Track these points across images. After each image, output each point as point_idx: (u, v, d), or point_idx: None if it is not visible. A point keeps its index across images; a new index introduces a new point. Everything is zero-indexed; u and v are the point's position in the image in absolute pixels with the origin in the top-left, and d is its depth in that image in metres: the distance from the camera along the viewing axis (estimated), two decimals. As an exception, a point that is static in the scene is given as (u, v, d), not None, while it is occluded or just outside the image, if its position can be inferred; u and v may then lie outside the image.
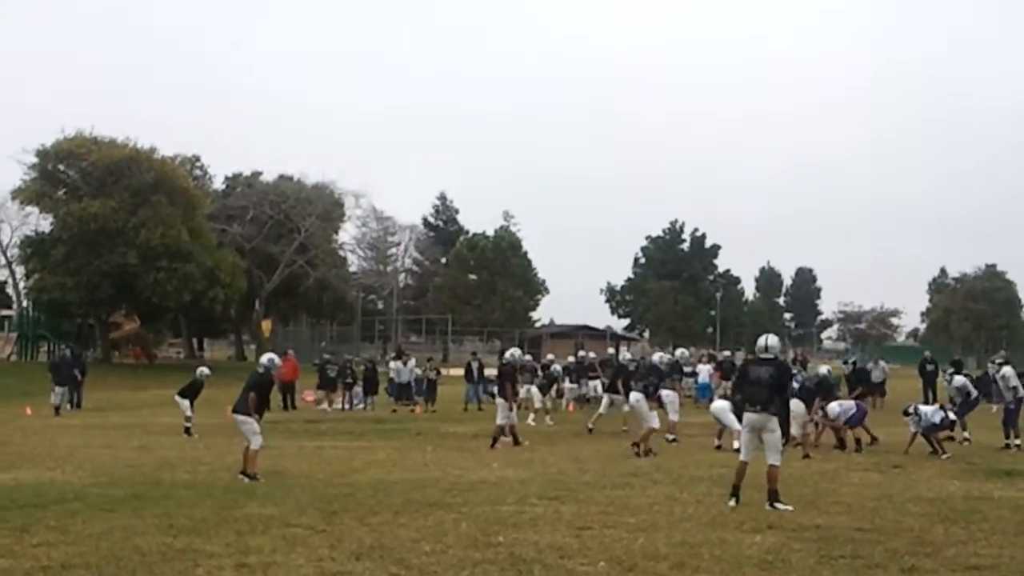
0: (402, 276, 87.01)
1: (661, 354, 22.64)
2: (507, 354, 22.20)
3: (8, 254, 68.13)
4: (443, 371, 38.24)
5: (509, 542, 9.27)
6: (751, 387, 11.79)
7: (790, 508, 11.17)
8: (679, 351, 28.58)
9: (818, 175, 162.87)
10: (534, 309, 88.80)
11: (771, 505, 11.24)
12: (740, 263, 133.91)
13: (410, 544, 9.21)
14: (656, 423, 18.31)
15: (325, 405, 30.82)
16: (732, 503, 11.50)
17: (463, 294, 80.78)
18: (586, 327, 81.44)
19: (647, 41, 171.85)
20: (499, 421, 19.67)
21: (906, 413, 18.50)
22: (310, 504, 11.43)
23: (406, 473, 14.97)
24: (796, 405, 17.65)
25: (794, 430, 17.33)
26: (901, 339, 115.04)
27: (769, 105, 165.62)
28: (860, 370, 31.50)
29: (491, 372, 35.43)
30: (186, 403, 22.43)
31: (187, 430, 21.87)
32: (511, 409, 19.92)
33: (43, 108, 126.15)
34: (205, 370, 23.76)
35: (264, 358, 15.47)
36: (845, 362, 38.04)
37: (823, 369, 19.31)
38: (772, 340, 12.10)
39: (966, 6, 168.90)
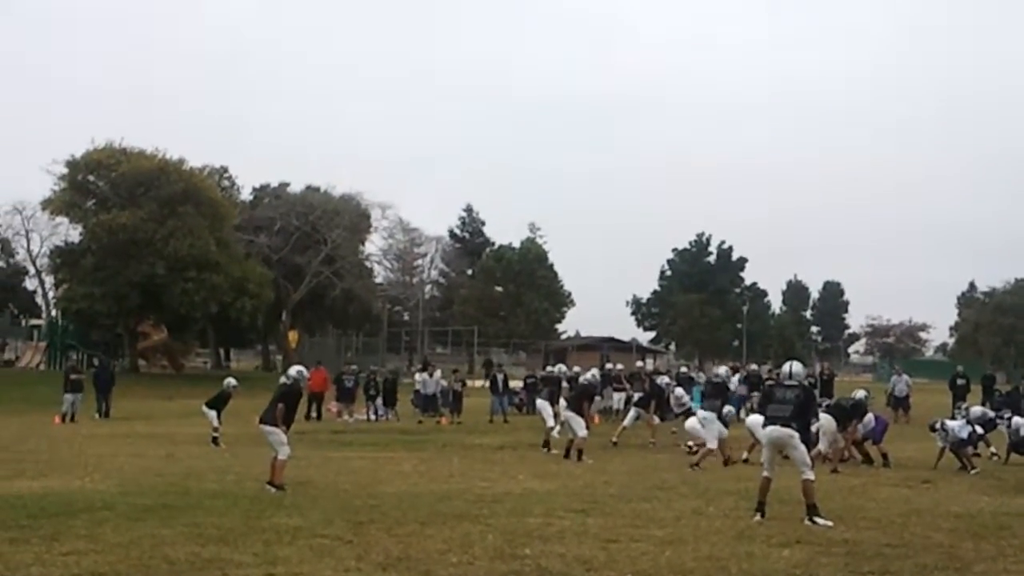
0: (428, 288, 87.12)
1: (726, 369, 22.57)
2: (589, 375, 22.04)
3: (38, 264, 68.86)
4: (468, 382, 38.25)
5: (535, 554, 9.27)
6: (775, 405, 11.95)
7: (830, 524, 11.08)
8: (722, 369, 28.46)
9: (846, 188, 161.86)
10: (560, 321, 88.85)
11: (811, 520, 11.18)
12: (767, 276, 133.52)
13: (437, 555, 9.22)
14: (714, 443, 18.23)
15: (346, 416, 30.86)
16: (757, 518, 11.47)
17: (489, 306, 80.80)
18: (612, 339, 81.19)
19: (672, 56, 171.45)
20: (581, 434, 19.16)
21: (932, 429, 18.41)
22: (337, 515, 11.46)
23: (432, 484, 14.99)
24: (828, 421, 17.64)
25: (823, 446, 17.30)
26: (929, 353, 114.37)
27: (796, 121, 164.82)
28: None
29: (516, 384, 35.56)
30: (213, 414, 22.51)
31: (214, 440, 21.96)
32: (587, 427, 19.65)
33: (73, 119, 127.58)
34: (232, 381, 23.83)
35: (292, 370, 15.53)
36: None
37: (860, 393, 19.13)
38: (796, 367, 12.37)
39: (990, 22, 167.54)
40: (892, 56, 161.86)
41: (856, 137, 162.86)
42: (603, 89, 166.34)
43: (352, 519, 11.13)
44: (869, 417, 19.02)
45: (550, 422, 21.74)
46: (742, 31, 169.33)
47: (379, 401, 32.14)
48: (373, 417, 31.59)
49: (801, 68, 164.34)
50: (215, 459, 18.91)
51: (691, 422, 19.48)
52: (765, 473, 11.80)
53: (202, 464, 17.87)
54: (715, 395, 19.42)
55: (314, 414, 30.96)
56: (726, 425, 18.83)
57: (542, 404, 22.63)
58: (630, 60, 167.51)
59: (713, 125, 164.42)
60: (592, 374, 22.68)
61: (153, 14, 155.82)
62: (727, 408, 19.46)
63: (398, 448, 22.17)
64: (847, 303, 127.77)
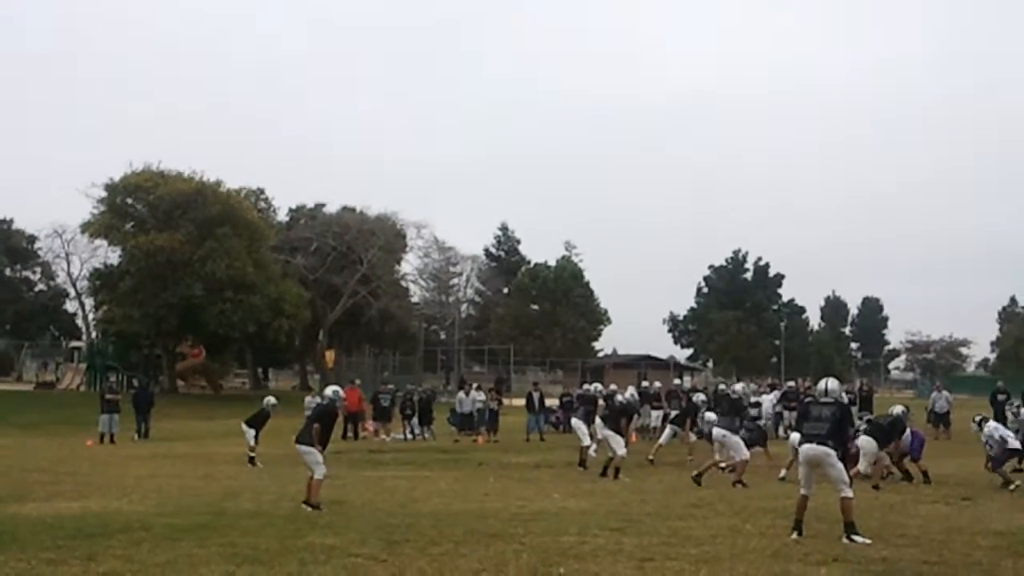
0: (464, 306, 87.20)
1: (742, 385, 22.51)
2: (628, 394, 21.95)
3: (78, 286, 69.67)
4: (505, 401, 38.22)
5: (570, 573, 9.23)
6: (812, 423, 11.90)
7: (868, 541, 10.96)
8: (739, 385, 28.30)
9: (884, 203, 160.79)
10: (596, 339, 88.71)
11: (849, 538, 11.05)
12: (805, 292, 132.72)
13: (471, 575, 9.21)
14: (747, 454, 18.13)
15: (382, 435, 30.89)
16: (795, 536, 11.37)
17: (525, 324, 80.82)
18: (649, 357, 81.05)
19: (709, 72, 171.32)
20: (620, 453, 19.17)
21: (976, 423, 18.39)
22: (372, 534, 11.45)
23: (468, 503, 14.97)
24: (867, 442, 17.48)
25: (862, 466, 17.15)
26: (971, 369, 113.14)
27: (832, 134, 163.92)
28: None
29: (552, 402, 35.48)
30: (251, 433, 22.54)
31: (251, 460, 22.03)
32: (626, 445, 19.65)
33: (111, 143, 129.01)
34: (272, 399, 23.88)
35: (328, 390, 15.58)
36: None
37: (898, 409, 18.95)
38: (832, 384, 12.30)
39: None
40: (935, 74, 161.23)
41: (896, 155, 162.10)
42: (638, 106, 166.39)
43: (387, 538, 11.12)
44: (907, 433, 18.83)
45: (585, 441, 21.65)
46: (774, 48, 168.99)
47: (415, 420, 32.15)
48: (409, 436, 31.60)
49: (844, 83, 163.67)
50: (252, 479, 18.99)
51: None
52: (802, 491, 11.69)
53: (239, 484, 17.94)
54: (731, 412, 19.40)
55: (351, 433, 31.02)
56: (750, 444, 18.86)
57: (577, 423, 22.54)
58: (666, 75, 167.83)
59: (749, 141, 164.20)
60: (630, 393, 22.63)
61: (189, 41, 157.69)
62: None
63: (434, 467, 22.18)
64: (886, 319, 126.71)
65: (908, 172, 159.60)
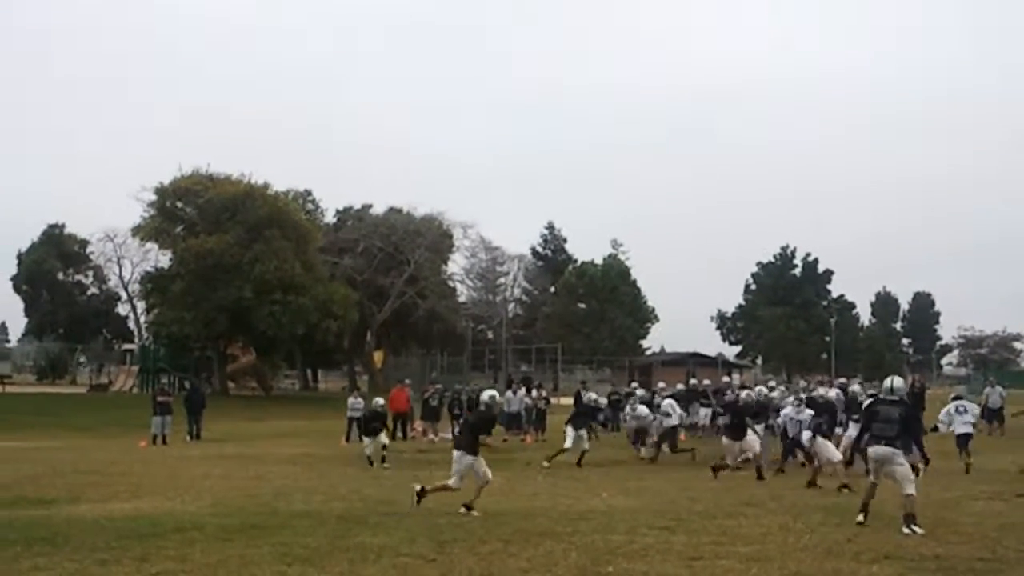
0: (511, 306, 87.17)
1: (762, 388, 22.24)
2: (745, 394, 21.79)
3: (130, 290, 70.49)
4: (552, 400, 38.13)
5: (619, 572, 9.22)
6: (880, 424, 12.28)
7: (922, 532, 11.27)
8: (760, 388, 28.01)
9: (936, 197, 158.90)
10: (644, 337, 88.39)
11: (908, 527, 11.36)
12: (855, 288, 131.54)
13: (520, 574, 9.23)
14: (839, 455, 17.72)
15: (431, 435, 30.96)
16: (861, 518, 11.84)
17: (572, 323, 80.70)
18: (697, 355, 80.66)
19: (754, 65, 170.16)
20: (749, 454, 18.82)
21: None
22: (421, 534, 11.49)
23: (516, 502, 14.97)
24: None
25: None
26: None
27: (882, 132, 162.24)
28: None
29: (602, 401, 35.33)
30: (367, 440, 22.59)
31: (383, 458, 22.06)
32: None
33: (161, 147, 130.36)
34: (380, 400, 24.16)
35: (485, 395, 15.35)
36: None
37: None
38: (897, 382, 12.81)
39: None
40: (983, 64, 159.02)
41: (946, 147, 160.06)
42: (685, 99, 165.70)
43: (436, 538, 11.15)
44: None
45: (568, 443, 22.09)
46: (823, 44, 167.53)
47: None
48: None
49: (892, 77, 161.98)
50: (302, 479, 19.09)
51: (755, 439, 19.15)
52: (872, 479, 12.28)
53: (290, 484, 18.05)
54: (758, 413, 19.43)
55: (399, 433, 31.11)
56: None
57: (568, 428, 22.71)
58: (710, 70, 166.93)
59: (797, 135, 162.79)
60: (748, 393, 22.13)
61: (237, 46, 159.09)
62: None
63: (483, 467, 22.14)
64: (938, 314, 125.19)
65: (957, 166, 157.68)
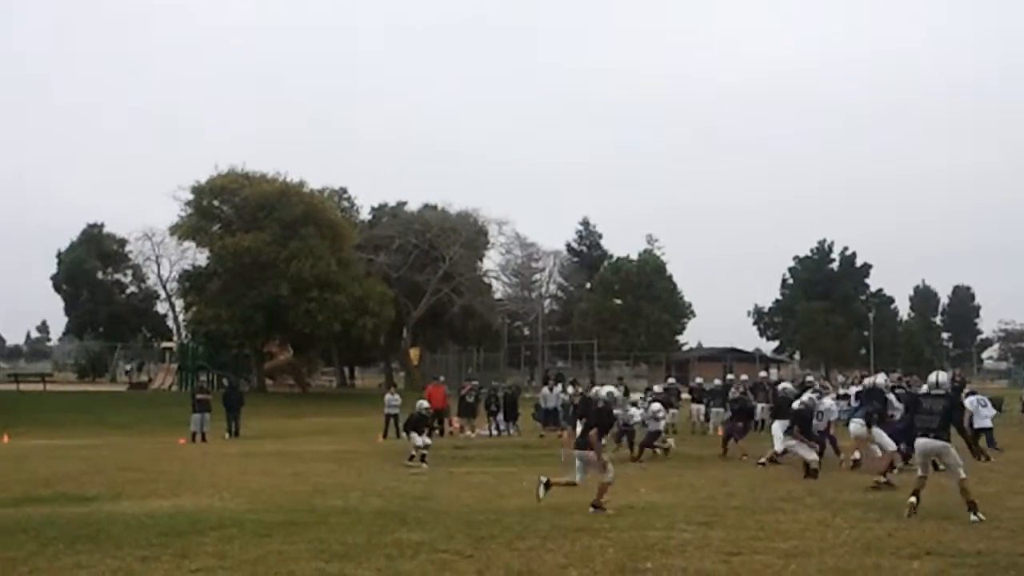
0: (547, 302, 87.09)
1: (885, 377, 21.82)
2: (806, 398, 21.59)
3: (168, 288, 71.05)
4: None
5: (657, 568, 9.19)
6: (924, 416, 12.68)
7: (983, 518, 11.65)
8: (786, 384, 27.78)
9: (974, 191, 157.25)
10: (680, 332, 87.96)
11: (975, 516, 11.72)
12: (893, 282, 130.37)
13: (558, 570, 9.20)
14: (893, 446, 17.61)
15: (468, 431, 31.00)
16: (913, 499, 12.21)
17: (608, 319, 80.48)
18: (734, 350, 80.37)
19: (791, 61, 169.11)
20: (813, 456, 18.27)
21: None
22: (459, 530, 11.50)
23: (554, 498, 14.92)
24: (857, 427, 18.49)
25: (856, 454, 17.86)
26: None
27: (922, 124, 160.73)
28: None
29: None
30: (415, 435, 22.63)
31: (422, 458, 21.89)
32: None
33: (197, 146, 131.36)
34: (424, 403, 24.23)
35: (603, 391, 15.19)
36: None
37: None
38: (942, 377, 13.26)
39: None
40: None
41: (983, 140, 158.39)
42: (719, 93, 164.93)
43: (473, 534, 11.16)
44: None
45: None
46: (864, 40, 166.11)
47: (500, 416, 32.20)
48: (495, 432, 31.67)
49: (927, 71, 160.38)
50: (340, 476, 19.16)
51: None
52: (920, 473, 12.67)
53: (328, 481, 18.12)
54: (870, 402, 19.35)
55: (436, 430, 31.15)
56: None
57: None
58: (745, 63, 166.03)
59: (834, 130, 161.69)
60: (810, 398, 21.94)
61: (273, 47, 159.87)
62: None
63: (519, 463, 22.14)
64: (978, 308, 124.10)
65: (996, 159, 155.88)
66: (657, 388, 31.65)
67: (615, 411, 16.08)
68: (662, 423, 23.61)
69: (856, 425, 18.51)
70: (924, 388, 15.60)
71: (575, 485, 13.79)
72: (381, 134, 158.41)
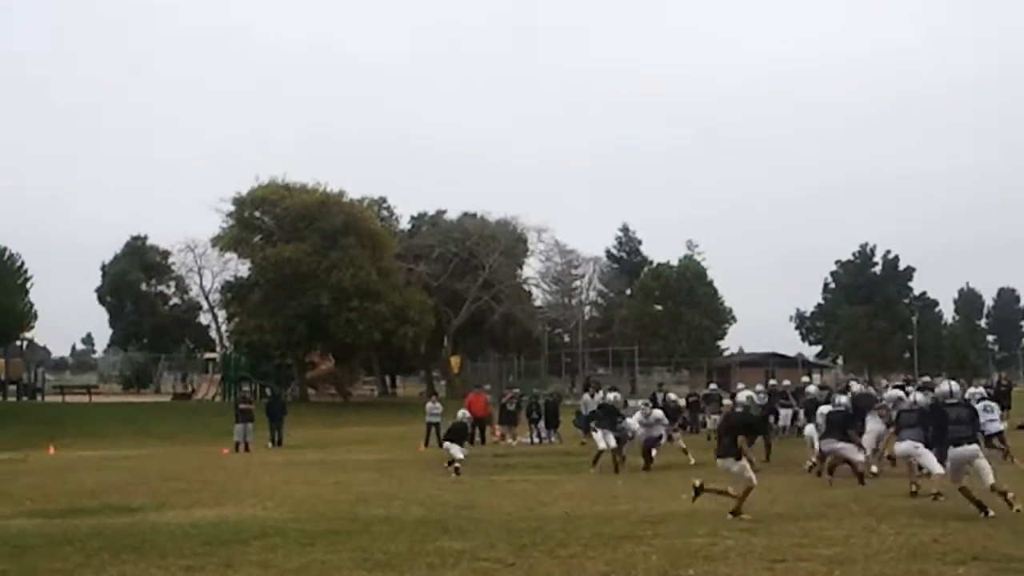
0: (587, 309, 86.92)
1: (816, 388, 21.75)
2: (854, 390, 21.27)
3: (210, 299, 71.59)
4: (630, 402, 37.89)
5: (700, 575, 9.15)
6: (955, 426, 13.08)
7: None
8: (812, 388, 27.50)
9: (1019, 190, 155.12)
10: (722, 338, 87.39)
11: (1014, 508, 12.28)
12: (937, 285, 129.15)
13: (600, 577, 9.19)
14: (940, 469, 16.51)
15: (509, 439, 31.01)
16: (973, 506, 12.53)
17: (649, 325, 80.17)
18: (776, 355, 79.86)
19: (827, 59, 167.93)
20: (860, 458, 18.00)
21: None
22: (500, 538, 11.51)
23: (595, 506, 14.93)
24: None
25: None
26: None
27: (972, 123, 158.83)
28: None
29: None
30: (455, 447, 22.50)
31: (456, 470, 21.33)
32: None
33: (237, 157, 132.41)
34: (465, 412, 24.33)
35: (742, 395, 14.89)
36: None
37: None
38: (955, 386, 14.18)
39: None
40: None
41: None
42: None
43: (515, 542, 11.16)
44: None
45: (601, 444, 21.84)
46: (896, 34, 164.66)
47: (542, 424, 32.19)
48: (536, 440, 31.65)
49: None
50: (382, 485, 19.21)
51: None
52: (962, 483, 12.92)
53: (370, 490, 18.18)
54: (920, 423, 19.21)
55: (478, 438, 31.17)
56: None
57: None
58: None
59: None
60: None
61: (312, 57, 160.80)
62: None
63: (561, 470, 22.15)
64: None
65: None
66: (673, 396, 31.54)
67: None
68: (663, 429, 23.48)
69: (909, 445, 17.05)
70: (922, 399, 15.92)
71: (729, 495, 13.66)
72: (421, 143, 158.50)
